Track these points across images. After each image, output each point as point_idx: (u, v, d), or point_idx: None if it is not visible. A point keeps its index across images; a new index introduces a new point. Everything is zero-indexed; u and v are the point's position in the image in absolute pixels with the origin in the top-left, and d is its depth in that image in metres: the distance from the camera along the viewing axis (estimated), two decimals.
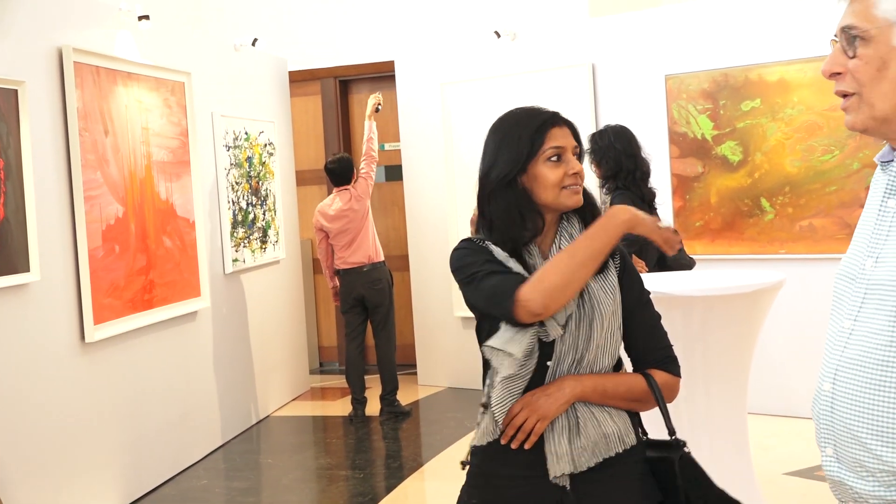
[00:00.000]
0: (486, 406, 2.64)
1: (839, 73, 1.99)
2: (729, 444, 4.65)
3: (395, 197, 9.82)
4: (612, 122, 5.87)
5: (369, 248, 7.99)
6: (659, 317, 2.74)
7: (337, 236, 7.95)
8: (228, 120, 7.82)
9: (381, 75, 9.66)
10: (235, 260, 7.79)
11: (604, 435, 2.58)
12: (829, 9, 7.18)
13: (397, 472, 6.77)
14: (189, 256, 7.04)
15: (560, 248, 2.63)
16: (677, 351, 2.77)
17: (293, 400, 8.87)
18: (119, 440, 6.17)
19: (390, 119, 9.50)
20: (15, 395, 5.28)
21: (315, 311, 10.28)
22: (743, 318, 4.70)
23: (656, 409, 2.67)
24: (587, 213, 2.70)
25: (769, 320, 5.29)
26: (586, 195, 2.70)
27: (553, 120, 2.70)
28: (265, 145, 8.46)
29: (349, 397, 8.19)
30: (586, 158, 5.81)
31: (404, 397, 8.38)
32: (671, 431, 2.63)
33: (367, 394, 8.16)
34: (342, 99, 10.12)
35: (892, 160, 1.95)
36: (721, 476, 2.70)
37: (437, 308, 8.94)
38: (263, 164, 8.41)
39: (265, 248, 8.36)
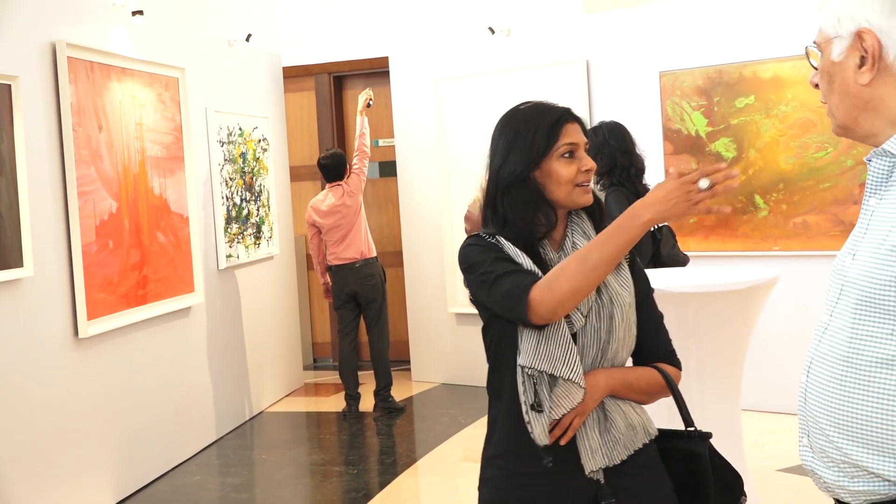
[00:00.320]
0: (535, 408, 2.54)
1: (816, 84, 2.04)
2: (722, 440, 4.64)
3: (389, 193, 9.81)
4: (607, 119, 5.86)
5: (362, 244, 7.99)
6: (662, 314, 2.75)
7: (329, 232, 7.95)
8: (222, 115, 7.81)
9: (376, 71, 9.65)
10: (229, 256, 7.78)
11: (631, 426, 2.59)
12: (823, 6, 7.16)
13: (391, 468, 6.77)
14: (183, 252, 7.03)
15: (573, 242, 2.64)
16: None
17: (287, 396, 8.87)
18: (112, 436, 6.16)
19: (384, 115, 9.50)
20: (8, 391, 5.27)
21: (309, 307, 10.28)
22: (737, 315, 4.71)
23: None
24: (595, 208, 2.70)
25: (763, 317, 5.29)
26: (594, 192, 2.71)
27: (567, 116, 2.68)
28: (259, 141, 8.45)
29: (343, 393, 8.19)
30: None
31: (398, 393, 8.38)
32: (689, 423, 2.65)
33: (360, 390, 8.15)
34: (336, 95, 10.11)
35: (871, 159, 1.98)
36: None
37: (431, 304, 8.94)
38: (257, 159, 8.40)
39: (259, 244, 8.35)
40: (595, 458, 2.55)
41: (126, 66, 6.43)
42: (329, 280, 8.12)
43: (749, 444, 5.36)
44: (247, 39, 8.44)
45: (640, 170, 5.58)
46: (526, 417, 2.53)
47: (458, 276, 8.96)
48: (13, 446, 5.29)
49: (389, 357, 8.19)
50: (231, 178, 7.92)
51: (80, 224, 5.82)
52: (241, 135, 8.12)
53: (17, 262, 5.32)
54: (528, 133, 2.65)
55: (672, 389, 2.66)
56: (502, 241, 2.63)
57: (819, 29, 2.04)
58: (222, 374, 7.60)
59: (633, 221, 2.43)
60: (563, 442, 2.55)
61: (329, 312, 9.88)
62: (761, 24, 7.18)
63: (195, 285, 7.16)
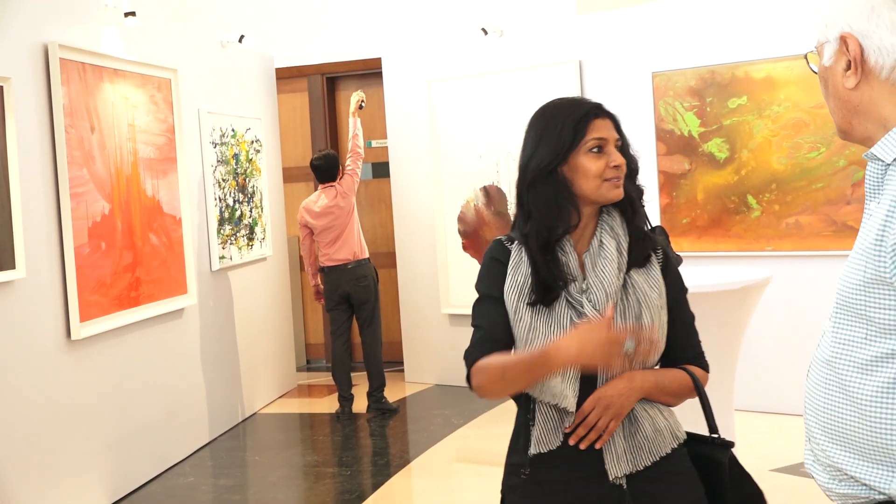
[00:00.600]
0: (529, 421, 2.61)
1: None
2: None
3: (382, 194, 9.81)
4: None
5: (354, 245, 7.98)
6: (693, 316, 2.74)
7: (322, 233, 7.94)
8: (215, 117, 7.80)
9: (369, 72, 9.65)
10: (222, 257, 7.78)
11: (658, 430, 2.57)
12: (815, 6, 7.17)
13: (384, 469, 6.76)
14: (176, 253, 7.02)
15: (601, 241, 2.62)
16: None
17: (280, 397, 8.86)
18: (105, 438, 6.15)
19: (377, 116, 9.50)
20: (0, 393, 5.26)
21: (302, 308, 10.27)
22: (729, 315, 4.72)
23: None
24: (627, 206, 2.68)
25: (756, 317, 5.31)
26: (628, 188, 2.68)
27: (596, 111, 2.66)
28: (252, 142, 8.45)
29: (336, 394, 8.19)
30: None
31: (391, 394, 8.38)
32: (713, 429, 2.63)
33: (353, 391, 8.15)
34: (329, 96, 10.11)
35: (869, 161, 1.98)
36: None
37: (425, 305, 8.94)
38: (250, 160, 8.40)
39: (252, 245, 8.35)
40: (619, 464, 2.54)
41: (118, 68, 6.43)
42: (320, 282, 8.11)
43: (742, 443, 5.37)
44: (239, 40, 8.44)
45: (634, 170, 5.56)
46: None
47: (452, 276, 8.97)
48: (6, 448, 5.28)
49: (382, 358, 8.19)
50: (224, 180, 7.91)
51: (73, 225, 5.81)
52: (233, 136, 8.11)
53: (10, 263, 5.31)
54: (556, 127, 2.64)
55: (699, 392, 2.64)
56: (514, 248, 2.66)
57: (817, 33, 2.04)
58: (215, 375, 7.60)
59: (548, 362, 2.46)
60: (598, 446, 2.54)
61: (322, 313, 9.88)
62: (754, 24, 7.19)
63: (188, 287, 7.15)
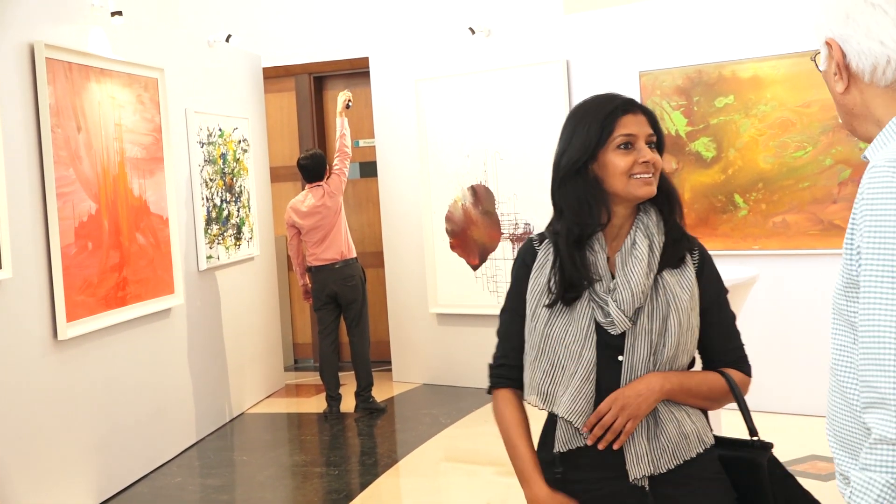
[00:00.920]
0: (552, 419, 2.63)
1: None
2: None
3: (370, 193, 9.81)
4: None
5: (342, 245, 7.98)
6: (734, 316, 2.69)
7: (309, 233, 7.94)
8: (202, 116, 7.79)
9: (356, 72, 9.65)
10: (209, 257, 7.76)
11: (684, 435, 2.54)
12: (803, 6, 7.23)
13: (372, 468, 6.76)
14: (163, 253, 7.01)
15: (633, 241, 2.60)
16: None
17: (267, 397, 8.85)
18: (92, 438, 6.14)
19: (365, 115, 9.49)
20: None
21: (289, 308, 10.26)
22: None
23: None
24: (664, 204, 2.66)
25: (742, 316, 5.31)
26: (665, 186, 2.65)
27: (625, 107, 2.61)
28: (239, 142, 8.44)
29: (323, 394, 8.18)
30: None
31: (379, 394, 8.38)
32: (753, 432, 2.60)
33: (341, 391, 8.14)
34: (316, 95, 10.10)
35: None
36: None
37: (412, 304, 8.94)
38: (237, 160, 8.38)
39: (239, 245, 8.33)
40: (640, 464, 2.52)
41: (105, 67, 6.41)
42: (308, 282, 8.11)
43: None
44: (227, 40, 8.43)
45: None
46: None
47: (439, 276, 8.96)
48: None
49: (370, 358, 8.19)
50: (211, 179, 7.89)
51: (59, 225, 5.80)
52: (221, 135, 8.10)
53: None
54: (585, 125, 2.61)
55: (736, 396, 2.61)
56: (541, 247, 2.67)
57: None
58: (203, 375, 7.58)
59: (524, 486, 2.66)
60: (616, 446, 2.53)
61: (310, 313, 9.86)
62: (740, 24, 7.21)
63: (175, 287, 7.14)
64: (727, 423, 2.75)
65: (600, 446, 2.53)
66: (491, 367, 2.77)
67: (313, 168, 7.99)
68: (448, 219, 8.67)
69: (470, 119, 8.44)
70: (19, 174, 5.54)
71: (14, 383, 5.45)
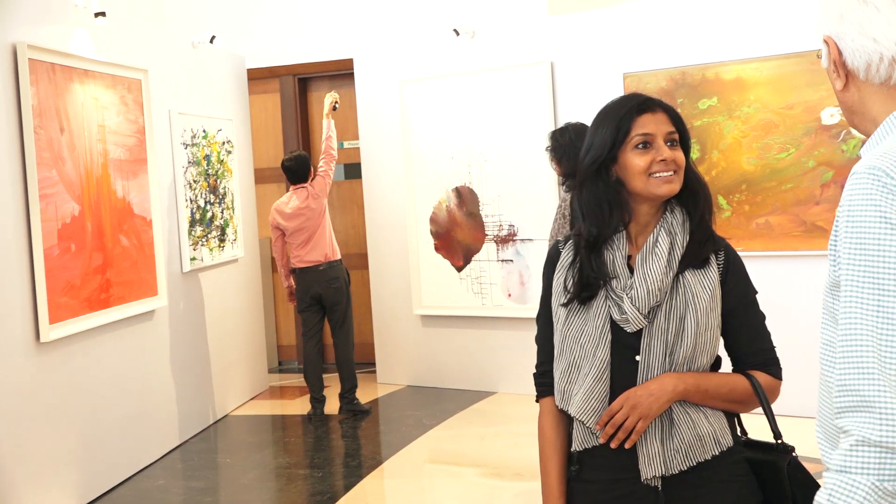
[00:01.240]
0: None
1: None
2: None
3: (354, 195, 9.80)
4: (573, 121, 5.88)
5: (326, 247, 7.97)
6: (764, 317, 2.67)
7: (293, 234, 7.93)
8: (186, 117, 7.77)
9: (340, 73, 9.64)
10: (193, 258, 7.75)
11: (698, 436, 2.52)
12: (786, 8, 7.25)
13: (356, 470, 6.76)
14: (146, 255, 6.99)
15: (656, 239, 2.59)
16: None
17: (252, 399, 8.84)
18: (75, 440, 6.12)
19: (349, 117, 9.49)
20: None
21: (273, 310, 10.24)
22: None
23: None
24: (689, 203, 2.65)
25: None
26: (693, 185, 2.64)
27: (642, 106, 2.62)
28: (223, 143, 8.42)
29: (308, 396, 8.17)
30: (546, 156, 5.83)
31: (363, 396, 8.37)
32: (777, 435, 2.56)
33: (325, 392, 8.14)
34: (301, 97, 10.09)
35: None
36: None
37: (397, 306, 8.93)
38: (221, 162, 8.37)
39: (223, 247, 8.32)
40: (652, 464, 2.51)
41: (88, 68, 6.39)
42: (293, 283, 8.10)
43: None
44: (211, 41, 8.41)
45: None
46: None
47: (424, 278, 8.96)
48: None
49: (354, 359, 8.18)
50: (195, 181, 7.88)
51: (42, 227, 5.77)
52: (205, 137, 8.08)
53: None
54: (604, 126, 2.63)
55: (759, 398, 2.57)
56: (565, 249, 2.69)
57: None
58: (186, 377, 7.57)
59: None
60: (627, 445, 2.52)
61: (294, 315, 9.85)
62: (724, 26, 7.23)
63: (158, 288, 7.12)
64: (753, 425, 2.72)
65: (612, 445, 2.53)
66: (535, 375, 2.77)
67: (298, 170, 7.99)
68: (432, 220, 8.67)
69: (454, 121, 8.44)
70: (1, 175, 5.52)
71: None
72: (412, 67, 8.71)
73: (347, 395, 8.08)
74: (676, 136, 2.62)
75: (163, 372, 7.25)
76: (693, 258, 2.59)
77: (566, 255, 2.67)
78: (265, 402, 8.86)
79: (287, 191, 8.29)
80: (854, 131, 6.64)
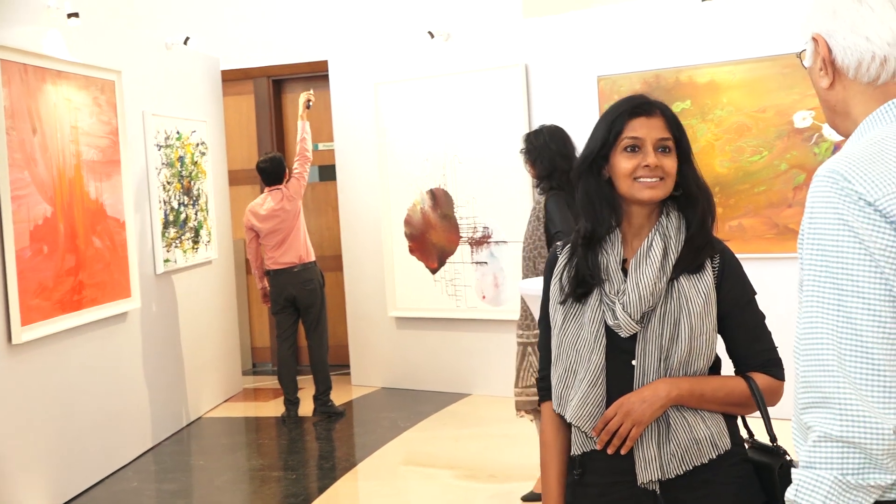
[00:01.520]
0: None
1: None
2: None
3: (329, 197, 9.79)
4: (548, 123, 5.89)
5: (300, 249, 7.96)
6: (763, 317, 2.65)
7: (268, 236, 7.92)
8: (160, 119, 7.75)
9: (315, 75, 9.63)
10: (167, 260, 7.72)
11: (695, 440, 2.52)
12: (759, 12, 7.29)
13: (330, 472, 6.75)
14: (119, 257, 6.96)
15: (650, 244, 2.59)
16: None
17: (225, 401, 8.81)
18: (47, 443, 6.08)
19: (324, 119, 9.47)
20: None
21: (248, 312, 10.22)
22: None
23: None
24: (687, 209, 2.65)
25: None
26: (691, 190, 2.64)
27: (634, 110, 2.62)
28: (197, 145, 8.40)
29: (282, 398, 8.16)
30: (521, 158, 5.84)
31: (338, 398, 8.36)
32: (772, 438, 2.56)
33: (299, 394, 8.13)
34: (275, 98, 10.07)
35: None
36: None
37: (371, 308, 8.92)
38: (195, 163, 8.34)
39: (197, 249, 8.29)
40: (649, 469, 2.52)
41: (61, 69, 6.36)
42: (267, 285, 8.09)
43: None
44: (185, 42, 8.39)
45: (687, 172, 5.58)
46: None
47: (398, 279, 8.94)
48: None
49: (329, 361, 8.18)
50: (169, 182, 7.85)
51: (14, 229, 5.74)
52: (178, 138, 8.06)
53: None
54: (600, 126, 2.66)
55: (757, 401, 2.57)
56: (563, 252, 2.71)
57: None
58: (159, 379, 7.54)
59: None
60: (623, 451, 2.53)
61: (268, 317, 9.83)
62: (698, 29, 7.26)
63: (132, 290, 7.09)
64: (756, 428, 2.71)
65: (609, 451, 2.54)
66: (537, 380, 2.79)
67: (272, 171, 7.98)
68: (407, 222, 8.67)
69: (429, 123, 8.44)
70: None
71: None
72: (387, 70, 8.71)
73: (322, 396, 8.07)
74: (670, 143, 2.61)
75: (136, 374, 7.22)
76: (688, 263, 2.60)
77: (563, 259, 2.69)
78: (239, 404, 8.83)
79: (262, 192, 8.27)
80: (826, 134, 6.70)
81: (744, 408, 2.61)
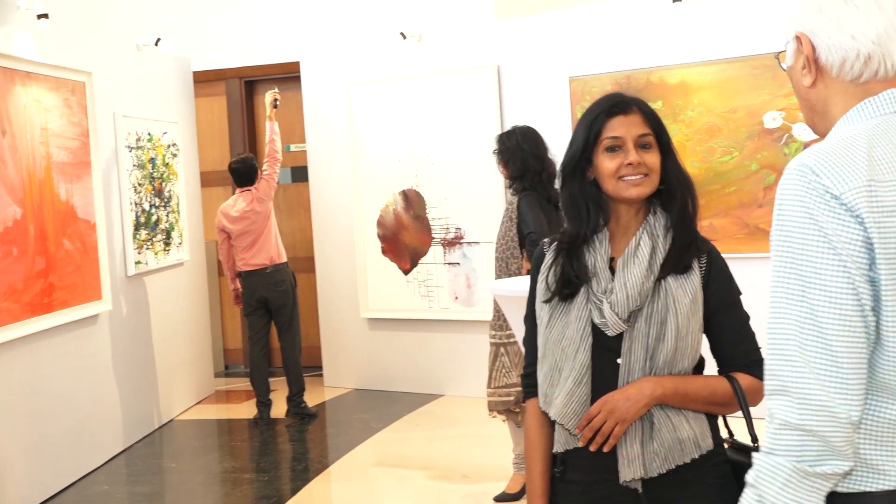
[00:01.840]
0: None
1: None
2: None
3: (301, 198, 9.77)
4: (520, 124, 5.89)
5: (271, 250, 7.95)
6: (748, 318, 2.66)
7: (239, 237, 7.90)
8: (131, 120, 7.71)
9: (287, 76, 9.60)
10: (138, 262, 7.69)
11: (678, 440, 2.52)
12: (729, 13, 7.32)
13: (302, 474, 6.74)
14: (90, 259, 6.93)
15: (638, 243, 2.60)
16: None
17: (197, 403, 8.78)
18: (18, 446, 6.05)
19: (296, 120, 9.46)
20: None
21: (220, 314, 10.19)
22: None
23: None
24: (672, 207, 2.65)
25: None
26: (674, 188, 2.65)
27: (611, 109, 2.63)
28: (169, 146, 8.36)
29: (254, 400, 8.14)
30: (494, 159, 5.84)
31: (310, 399, 8.34)
32: (754, 438, 2.54)
33: (272, 396, 8.11)
34: (247, 100, 10.05)
35: None
36: None
37: (343, 309, 8.91)
38: (167, 165, 8.31)
39: (169, 250, 8.26)
40: (632, 467, 2.52)
41: (31, 71, 6.32)
42: (239, 286, 8.07)
43: None
44: (156, 43, 8.35)
45: (552, 175, 5.60)
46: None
47: (370, 281, 8.92)
48: None
49: (301, 363, 8.16)
50: (140, 184, 7.82)
51: None
52: (150, 140, 8.03)
53: None
54: (580, 128, 2.66)
55: (739, 401, 2.57)
56: (549, 251, 2.72)
57: None
58: (131, 382, 7.51)
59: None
60: (605, 449, 2.53)
61: (241, 319, 9.80)
62: (669, 31, 7.29)
63: (103, 292, 7.05)
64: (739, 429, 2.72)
65: (591, 448, 2.54)
66: (521, 377, 2.81)
67: (244, 172, 7.96)
68: (379, 223, 8.66)
69: (401, 124, 8.44)
70: None
71: None
72: (359, 70, 8.71)
73: (295, 398, 8.06)
74: (650, 138, 2.63)
75: (107, 376, 7.19)
76: (675, 265, 2.60)
77: (550, 255, 2.70)
78: (211, 406, 8.81)
79: (234, 193, 8.25)
80: (797, 134, 6.74)
81: (727, 407, 2.61)
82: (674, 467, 2.53)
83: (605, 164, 2.60)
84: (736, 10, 6.99)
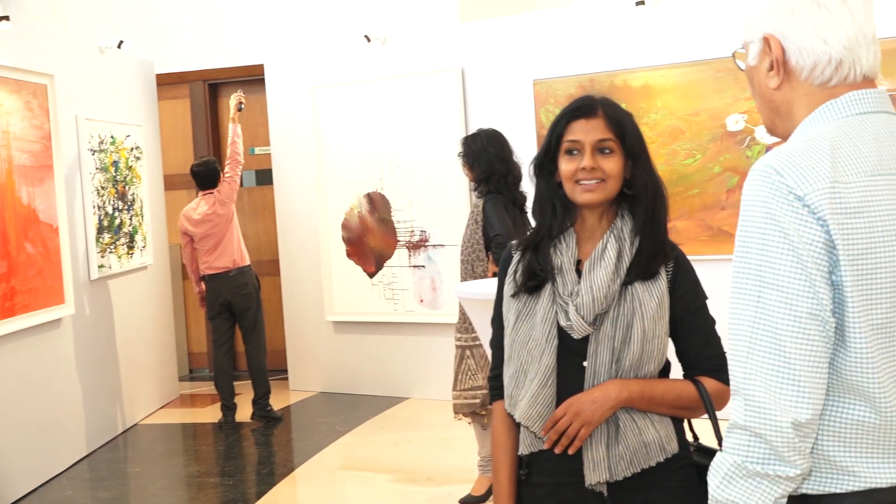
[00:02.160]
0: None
1: None
2: None
3: (266, 201, 9.74)
4: (486, 126, 5.90)
5: (234, 253, 7.92)
6: (714, 322, 2.67)
7: (202, 241, 7.86)
8: (93, 123, 7.67)
9: (251, 79, 9.57)
10: (101, 266, 7.64)
11: (644, 444, 2.53)
12: (692, 17, 7.36)
13: (268, 477, 6.72)
14: (52, 263, 6.88)
15: (605, 246, 2.59)
16: None
17: (162, 407, 8.73)
18: None
19: (260, 123, 9.43)
20: None
21: (184, 317, 10.14)
22: None
23: None
24: (638, 212, 2.64)
25: None
26: (641, 194, 2.63)
27: (574, 113, 2.63)
28: (132, 149, 8.32)
29: (219, 404, 8.11)
30: (459, 161, 5.85)
31: (275, 402, 8.32)
32: (720, 441, 2.50)
33: (237, 400, 8.08)
34: (211, 102, 10.01)
35: None
36: None
37: (309, 312, 8.89)
38: (130, 168, 8.27)
39: (132, 254, 8.22)
40: (597, 470, 2.52)
41: None
42: (203, 289, 8.03)
43: None
44: (119, 46, 8.30)
45: (517, 177, 5.63)
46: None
47: (336, 284, 8.91)
48: None
49: (267, 366, 8.14)
50: (103, 187, 7.77)
51: None
52: (113, 143, 7.98)
53: None
54: (549, 130, 2.68)
55: (706, 404, 2.58)
56: (515, 252, 2.72)
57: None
58: (94, 386, 7.46)
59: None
60: (570, 451, 2.53)
61: (205, 322, 9.76)
62: (632, 34, 7.32)
63: (65, 296, 7.00)
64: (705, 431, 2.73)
65: (556, 451, 2.54)
66: (488, 378, 2.80)
67: (206, 175, 7.93)
68: (344, 226, 8.65)
69: (366, 126, 8.44)
70: None
71: None
72: (323, 73, 8.69)
73: (261, 401, 8.03)
74: (610, 143, 2.61)
75: (70, 381, 7.14)
76: (642, 270, 2.59)
77: (517, 255, 2.71)
78: (175, 410, 8.76)
79: (197, 196, 8.22)
80: (759, 137, 6.79)
81: (692, 411, 2.62)
82: (639, 470, 2.53)
83: (563, 166, 2.62)
84: (699, 13, 7.04)
